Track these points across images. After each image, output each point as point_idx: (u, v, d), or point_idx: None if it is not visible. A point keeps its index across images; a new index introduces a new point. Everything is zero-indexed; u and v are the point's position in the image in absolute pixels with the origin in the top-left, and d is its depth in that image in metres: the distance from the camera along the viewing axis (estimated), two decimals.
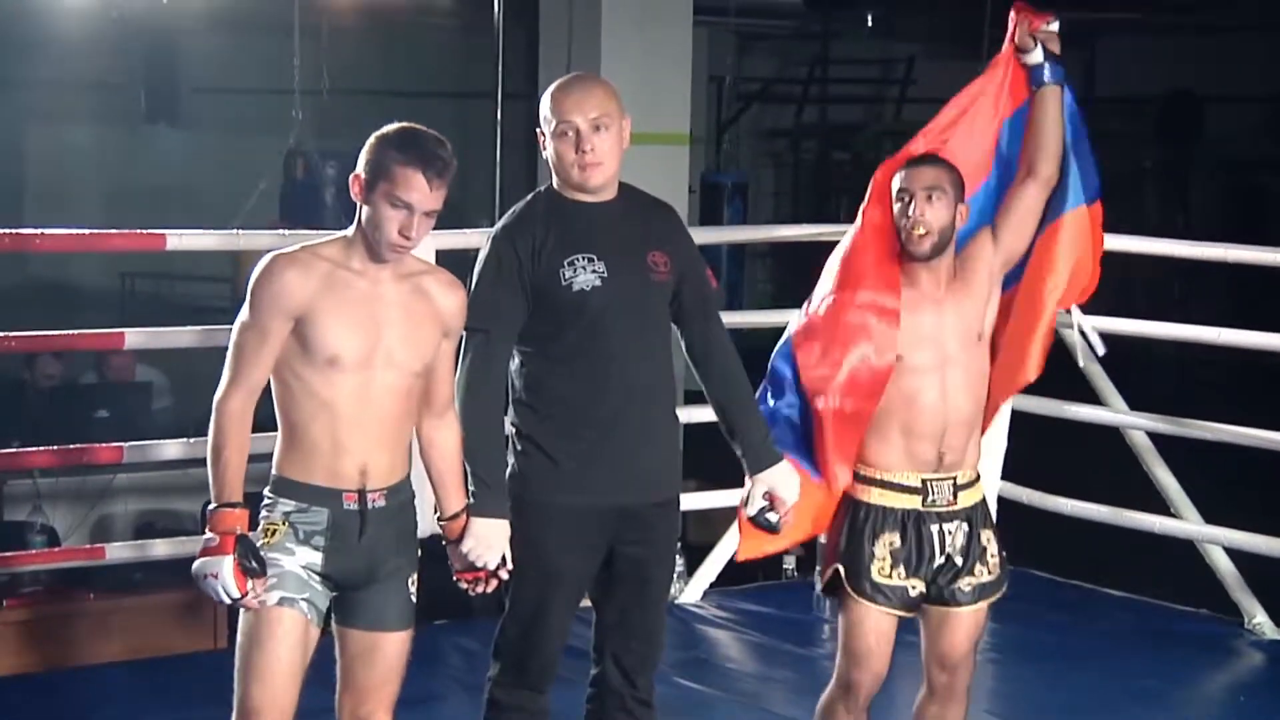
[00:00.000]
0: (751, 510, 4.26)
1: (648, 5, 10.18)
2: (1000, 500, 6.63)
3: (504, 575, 4.03)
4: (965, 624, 4.30)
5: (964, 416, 4.24)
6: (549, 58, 10.43)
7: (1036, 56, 4.41)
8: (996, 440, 6.58)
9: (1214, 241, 6.46)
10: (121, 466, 6.68)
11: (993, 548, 4.31)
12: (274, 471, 3.79)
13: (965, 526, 4.25)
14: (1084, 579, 7.05)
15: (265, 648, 3.72)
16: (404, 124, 3.80)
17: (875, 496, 4.23)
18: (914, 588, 4.23)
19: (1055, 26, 4.43)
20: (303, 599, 3.74)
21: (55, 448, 5.70)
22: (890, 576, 4.20)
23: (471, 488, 4.03)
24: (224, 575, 3.63)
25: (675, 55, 10.33)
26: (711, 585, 6.70)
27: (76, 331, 5.91)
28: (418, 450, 3.99)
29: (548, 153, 4.11)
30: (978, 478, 4.32)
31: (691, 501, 6.75)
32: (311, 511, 3.74)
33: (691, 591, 6.68)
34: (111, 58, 13.15)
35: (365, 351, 3.71)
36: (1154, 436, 6.62)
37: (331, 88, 11.74)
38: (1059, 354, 6.80)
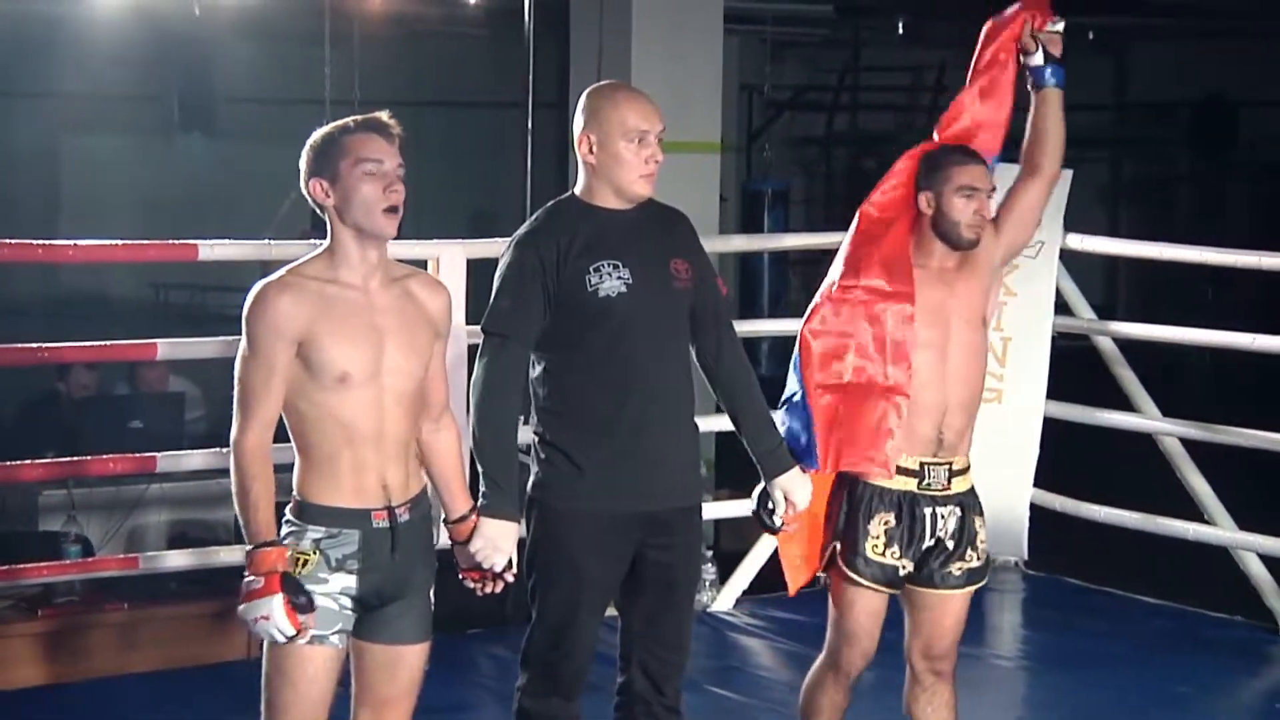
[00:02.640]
0: (779, 512, 4.32)
1: (678, 14, 10.18)
2: (1032, 507, 6.61)
3: (509, 578, 4.03)
4: (954, 608, 4.41)
5: (964, 398, 4.36)
6: (579, 67, 10.43)
7: (1038, 59, 4.49)
8: (1028, 447, 6.56)
9: (1246, 247, 6.44)
10: (155, 476, 6.70)
11: (982, 534, 4.43)
12: (296, 495, 3.75)
13: (959, 511, 4.38)
14: (1117, 586, 7.03)
15: (298, 688, 3.70)
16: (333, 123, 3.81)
17: (874, 476, 4.33)
18: (904, 567, 4.35)
19: (1061, 26, 4.50)
20: (334, 633, 3.71)
21: (89, 458, 5.72)
22: (884, 555, 4.32)
23: (483, 488, 4.03)
24: (276, 616, 3.58)
25: (706, 64, 10.32)
26: (744, 593, 6.71)
27: (109, 342, 5.93)
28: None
29: (600, 156, 4.09)
30: (969, 467, 4.42)
31: (724, 510, 6.75)
32: (342, 535, 3.71)
33: (724, 599, 6.68)
34: (145, 68, 13.20)
35: (372, 364, 3.68)
36: (1187, 443, 6.61)
37: (363, 98, 11.75)
38: (1092, 361, 6.82)
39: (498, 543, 3.99)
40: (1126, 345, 6.81)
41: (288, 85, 12.89)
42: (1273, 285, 7.00)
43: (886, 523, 4.32)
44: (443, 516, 4.04)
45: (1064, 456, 6.77)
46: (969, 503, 4.41)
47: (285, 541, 3.71)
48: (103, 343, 5.91)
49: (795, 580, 4.55)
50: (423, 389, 3.82)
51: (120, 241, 6.02)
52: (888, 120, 17.05)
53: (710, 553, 6.88)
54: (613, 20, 10.20)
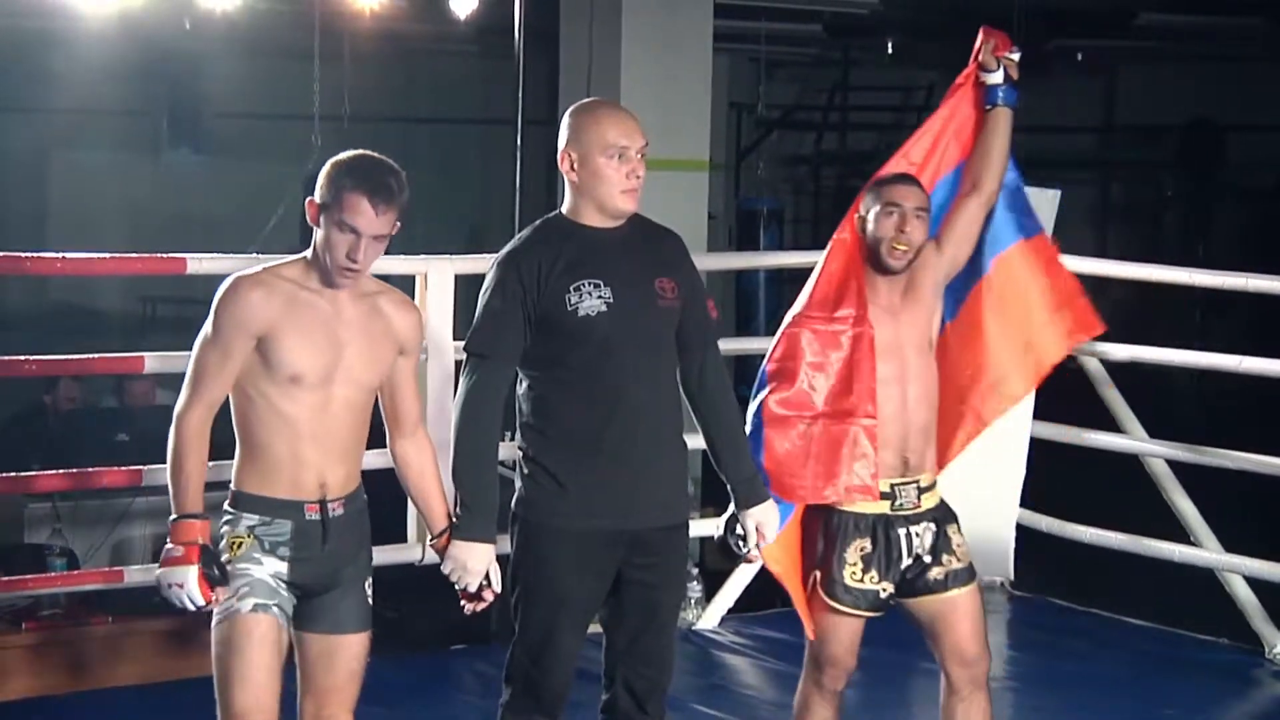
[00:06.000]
0: (751, 541, 4.34)
1: (668, 32, 10.19)
2: (1019, 528, 6.61)
3: (488, 597, 4.11)
4: (964, 607, 4.46)
5: (923, 423, 4.46)
6: (569, 84, 10.44)
7: (998, 77, 4.66)
8: (1015, 468, 6.56)
9: (1235, 270, 6.44)
10: (141, 490, 6.69)
11: (957, 539, 4.49)
12: (234, 486, 3.90)
13: (933, 527, 4.45)
14: (1103, 607, 7.03)
15: (245, 654, 3.83)
16: (360, 151, 3.93)
17: (845, 503, 4.39)
18: (884, 590, 4.41)
19: (1018, 56, 4.68)
20: (274, 604, 3.86)
21: (75, 471, 5.72)
22: (862, 580, 4.39)
23: (456, 510, 4.08)
24: (189, 585, 3.75)
25: (695, 82, 10.33)
26: (729, 611, 6.70)
27: (97, 355, 5.93)
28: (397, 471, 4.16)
29: (580, 173, 4.10)
30: (936, 481, 4.52)
31: (710, 528, 6.74)
32: (275, 524, 3.86)
33: (709, 617, 6.67)
34: (134, 83, 13.20)
35: (326, 369, 3.84)
36: (1174, 465, 6.61)
37: (352, 114, 11.76)
38: (1079, 381, 6.82)
39: (467, 564, 4.06)
40: (1114, 366, 6.81)
41: (277, 101, 12.90)
42: (1260, 307, 7.01)
43: (862, 548, 4.40)
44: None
45: (1050, 477, 6.77)
46: (941, 516, 4.49)
47: (223, 530, 3.86)
48: (90, 355, 5.91)
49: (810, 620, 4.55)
50: (372, 400, 3.97)
51: (108, 255, 6.02)
52: (876, 140, 17.06)
53: (696, 571, 6.88)
54: (602, 38, 10.22)
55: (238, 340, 3.80)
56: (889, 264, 4.40)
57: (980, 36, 4.74)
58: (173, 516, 3.82)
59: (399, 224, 3.89)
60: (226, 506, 3.90)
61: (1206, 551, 6.50)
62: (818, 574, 4.42)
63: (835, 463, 4.39)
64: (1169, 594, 6.99)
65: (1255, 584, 6.45)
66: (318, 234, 3.86)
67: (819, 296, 4.48)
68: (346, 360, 3.86)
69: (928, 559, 4.42)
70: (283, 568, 3.86)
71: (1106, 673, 6.26)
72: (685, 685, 5.74)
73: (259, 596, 3.83)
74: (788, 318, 4.54)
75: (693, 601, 6.73)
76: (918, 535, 4.43)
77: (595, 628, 4.25)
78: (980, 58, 4.68)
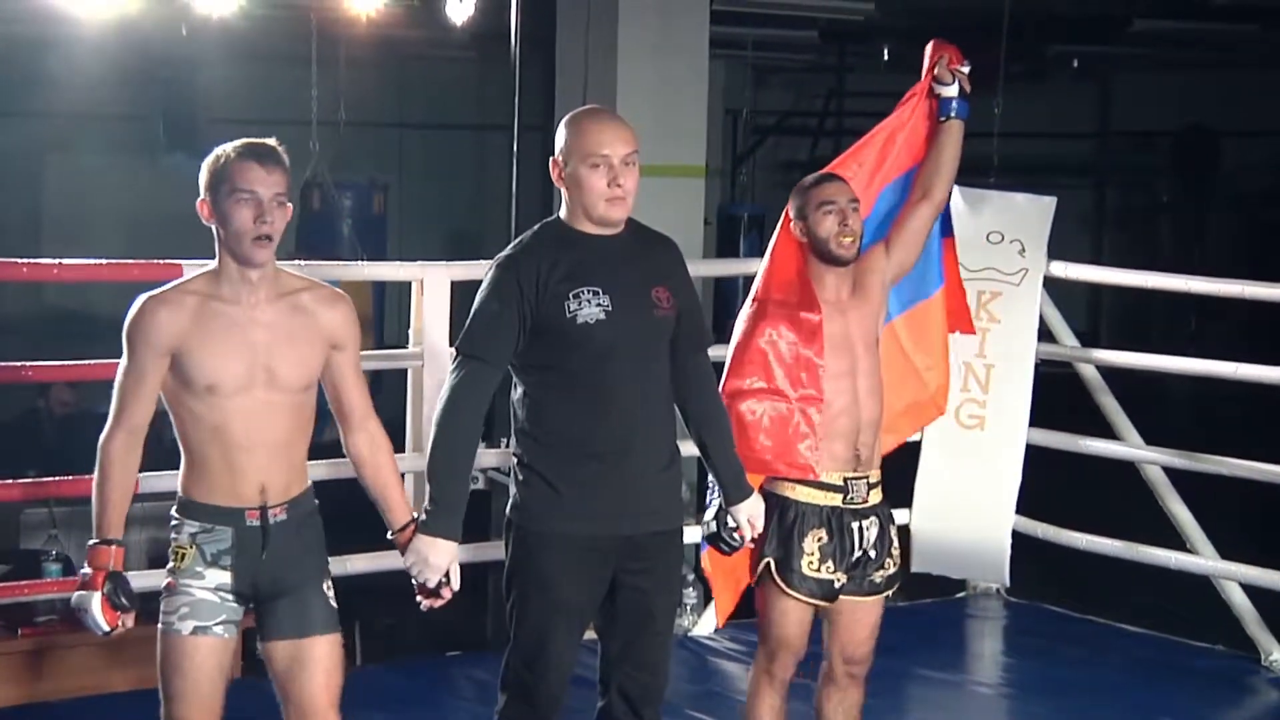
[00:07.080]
0: (747, 533, 4.43)
1: (663, 38, 10.18)
2: (1014, 534, 6.62)
3: (446, 595, 4.12)
4: (871, 614, 4.64)
5: (873, 417, 4.59)
6: (565, 90, 10.44)
7: (953, 90, 4.82)
8: (1010, 474, 6.57)
9: (1230, 276, 6.45)
10: (135, 496, 6.68)
11: (896, 541, 4.67)
12: (179, 493, 3.96)
13: (877, 522, 4.60)
14: (1098, 614, 7.04)
15: (186, 675, 3.90)
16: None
17: (802, 494, 4.53)
18: (838, 580, 4.55)
19: (968, 69, 4.84)
20: (216, 624, 3.89)
21: (70, 477, 5.71)
22: (819, 570, 4.52)
23: (425, 505, 4.08)
24: (93, 611, 3.85)
25: (691, 88, 10.32)
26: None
27: (93, 361, 5.92)
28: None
29: (567, 182, 4.13)
30: (881, 479, 4.65)
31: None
32: (216, 531, 3.89)
33: (705, 624, 6.67)
34: (131, 88, 13.19)
35: (243, 376, 3.84)
36: (1169, 471, 6.62)
37: (348, 120, 11.76)
38: (1075, 388, 6.82)
39: (429, 559, 4.06)
40: (1109, 373, 6.82)
41: (273, 106, 12.86)
42: (1256, 314, 7.02)
43: (820, 539, 4.53)
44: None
45: (1046, 484, 6.78)
46: (884, 513, 4.66)
47: (171, 536, 3.92)
48: (87, 361, 5.90)
49: (725, 611, 4.90)
50: (309, 400, 3.96)
51: (104, 261, 6.02)
52: None
53: (692, 577, 6.88)
54: (598, 43, 10.21)
55: (149, 360, 3.84)
56: (840, 255, 4.53)
57: (931, 50, 4.90)
58: (91, 540, 3.88)
59: (290, 204, 3.89)
60: (173, 512, 3.95)
61: (1202, 558, 6.50)
62: (772, 561, 4.53)
63: (784, 440, 4.51)
64: (1165, 601, 7.00)
65: (1251, 591, 6.46)
66: (219, 231, 3.86)
67: (774, 282, 4.63)
68: (265, 364, 3.85)
69: (872, 554, 4.58)
70: (225, 578, 3.89)
71: (1102, 679, 6.27)
72: (681, 691, 5.74)
73: (199, 618, 3.88)
74: (746, 303, 4.69)
75: (689, 608, 6.73)
76: (866, 529, 4.58)
77: (592, 635, 4.25)
78: (935, 71, 4.85)
